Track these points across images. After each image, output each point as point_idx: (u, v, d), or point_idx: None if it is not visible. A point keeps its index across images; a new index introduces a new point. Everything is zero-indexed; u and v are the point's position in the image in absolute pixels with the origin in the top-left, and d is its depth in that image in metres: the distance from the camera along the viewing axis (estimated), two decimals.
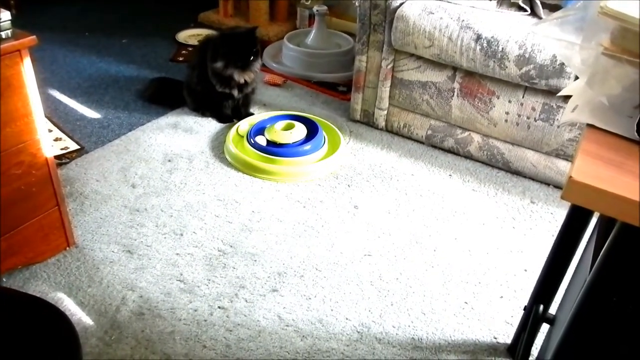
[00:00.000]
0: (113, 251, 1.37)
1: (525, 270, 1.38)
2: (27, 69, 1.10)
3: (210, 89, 1.86)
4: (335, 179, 1.67)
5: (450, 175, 1.72)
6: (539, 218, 1.56)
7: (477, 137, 1.75)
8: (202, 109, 1.98)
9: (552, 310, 1.05)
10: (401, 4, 1.71)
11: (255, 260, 1.36)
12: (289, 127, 1.77)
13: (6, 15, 1.05)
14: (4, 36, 1.05)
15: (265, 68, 2.30)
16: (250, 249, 1.39)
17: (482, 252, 1.43)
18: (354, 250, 1.41)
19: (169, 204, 1.53)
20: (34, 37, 1.08)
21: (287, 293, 1.27)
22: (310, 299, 1.26)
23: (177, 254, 1.37)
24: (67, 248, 1.36)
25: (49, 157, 1.21)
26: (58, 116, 1.93)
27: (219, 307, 1.23)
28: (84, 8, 2.90)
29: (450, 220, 1.53)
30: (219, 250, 1.39)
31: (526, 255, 1.43)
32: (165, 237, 1.42)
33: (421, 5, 1.68)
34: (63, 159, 1.69)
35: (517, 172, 1.72)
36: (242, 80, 1.84)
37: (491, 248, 1.45)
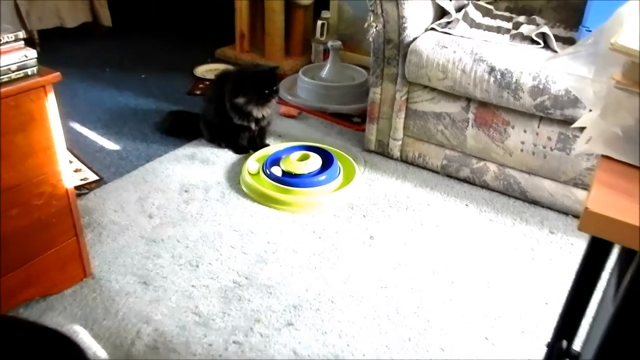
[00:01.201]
0: (129, 282, 1.36)
1: (547, 304, 1.34)
2: (50, 103, 1.12)
3: (227, 121, 1.88)
4: (351, 209, 1.67)
5: (466, 205, 1.70)
6: (558, 249, 1.52)
7: (493, 167, 1.74)
8: (219, 140, 1.99)
9: (577, 346, 1.01)
10: (414, 39, 1.73)
11: (270, 293, 1.34)
12: (304, 158, 1.78)
13: (32, 53, 1.08)
14: (30, 73, 1.08)
15: (280, 100, 2.33)
16: (266, 281, 1.37)
17: (500, 284, 1.39)
18: (370, 282, 1.38)
19: (185, 234, 1.53)
20: (57, 73, 1.10)
21: (302, 327, 1.25)
22: (326, 333, 1.23)
23: (193, 285, 1.36)
24: (84, 279, 1.35)
25: (69, 188, 1.22)
26: (78, 148, 1.96)
27: (233, 342, 1.21)
28: (104, 45, 2.98)
29: (467, 251, 1.50)
30: (234, 282, 1.37)
31: (546, 287, 1.39)
32: (181, 269, 1.41)
33: (434, 39, 1.70)
34: (82, 190, 1.70)
35: (534, 202, 1.70)
36: (260, 115, 1.87)
37: (510, 280, 1.41)
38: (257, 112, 1.85)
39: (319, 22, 2.70)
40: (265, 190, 1.68)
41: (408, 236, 1.55)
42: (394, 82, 1.83)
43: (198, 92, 2.50)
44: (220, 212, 1.63)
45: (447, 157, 1.82)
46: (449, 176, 1.83)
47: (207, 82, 2.58)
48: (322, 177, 1.72)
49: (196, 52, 2.94)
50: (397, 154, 1.92)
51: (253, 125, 1.90)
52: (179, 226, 1.56)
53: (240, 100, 1.81)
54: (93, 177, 1.79)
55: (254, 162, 1.81)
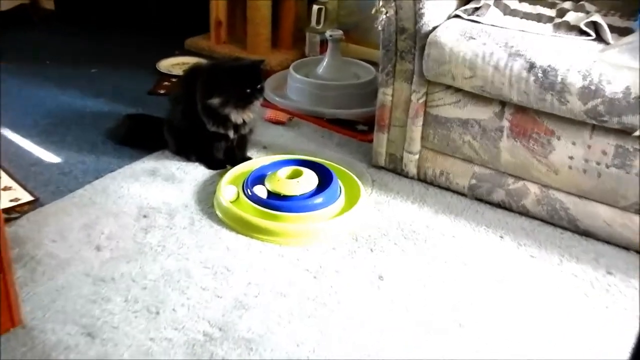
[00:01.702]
0: (70, 333, 1.33)
1: None
2: None
3: (199, 127, 1.88)
4: (355, 241, 1.66)
5: (501, 236, 1.70)
6: (618, 293, 1.51)
7: (533, 188, 1.73)
8: (188, 151, 2.00)
9: None
10: (434, 28, 1.74)
11: (251, 349, 1.32)
12: (295, 175, 1.78)
13: None
14: None
15: (266, 102, 2.33)
16: (245, 333, 1.35)
17: (546, 338, 1.38)
18: (379, 336, 1.37)
19: (142, 272, 1.51)
20: None
21: None
22: None
23: (151, 338, 1.33)
24: (12, 329, 1.32)
25: None
26: (8, 160, 1.94)
27: None
28: (45, 33, 2.99)
29: (503, 296, 1.49)
30: (204, 335, 1.35)
31: (604, 341, 1.37)
32: (136, 316, 1.38)
33: (459, 29, 1.71)
34: (12, 213, 1.69)
35: (586, 233, 1.69)
36: (240, 120, 1.88)
37: (558, 332, 1.39)
38: (236, 117, 1.86)
39: (315, 8, 2.73)
40: (246, 216, 1.67)
41: (427, 277, 1.54)
42: (408, 81, 1.83)
43: (162, 92, 2.51)
44: (188, 243, 1.62)
45: (476, 176, 1.81)
46: (479, 200, 1.83)
47: (174, 79, 2.60)
48: (319, 199, 1.72)
49: (160, 42, 2.96)
50: (413, 171, 1.92)
51: (231, 134, 1.90)
52: (135, 261, 1.54)
53: (215, 101, 1.82)
54: (26, 197, 1.77)
55: (229, 186, 1.78)
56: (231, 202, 1.74)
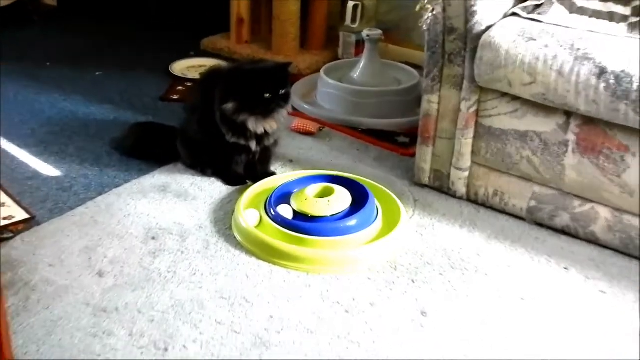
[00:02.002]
0: None
1: None
2: None
3: (217, 138, 1.90)
4: (393, 270, 1.65)
5: (565, 268, 1.67)
6: None
7: (604, 212, 1.71)
8: (203, 165, 2.02)
9: None
10: (488, 28, 1.74)
11: None
12: (325, 193, 1.78)
13: None
14: None
15: (294, 111, 2.35)
16: None
17: None
18: None
19: (150, 302, 1.51)
20: None
21: None
22: None
23: None
24: None
25: None
26: (2, 173, 1.97)
27: None
28: (46, 31, 3.05)
29: (567, 339, 1.46)
30: None
31: None
32: (142, 353, 1.38)
33: (517, 28, 1.70)
34: (5, 233, 1.71)
35: None
36: (260, 130, 1.89)
37: None
38: (255, 126, 1.87)
39: (350, 4, 2.75)
40: (269, 240, 1.67)
41: (478, 314, 1.52)
42: (457, 88, 1.83)
43: (175, 98, 2.54)
44: (202, 269, 1.62)
45: (536, 197, 1.80)
46: (539, 224, 1.82)
47: (189, 84, 2.63)
48: (352, 221, 1.71)
49: (175, 42, 3.00)
50: (462, 190, 1.92)
51: (253, 145, 1.92)
52: (142, 290, 1.55)
53: (229, 107, 1.83)
54: (21, 215, 1.79)
55: (251, 210, 1.78)
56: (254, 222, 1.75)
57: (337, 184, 1.82)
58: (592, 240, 1.75)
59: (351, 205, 1.76)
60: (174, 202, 1.89)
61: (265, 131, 1.90)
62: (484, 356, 1.41)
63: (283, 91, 1.85)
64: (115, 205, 1.86)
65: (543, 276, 1.65)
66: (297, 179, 1.90)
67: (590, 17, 1.76)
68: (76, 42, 2.98)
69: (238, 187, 1.97)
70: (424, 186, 1.99)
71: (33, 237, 1.71)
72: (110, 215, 1.81)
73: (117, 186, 1.94)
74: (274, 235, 1.69)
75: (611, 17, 1.75)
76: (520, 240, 1.78)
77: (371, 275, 1.63)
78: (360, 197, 1.79)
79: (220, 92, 1.85)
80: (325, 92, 2.45)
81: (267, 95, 1.82)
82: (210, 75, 2.01)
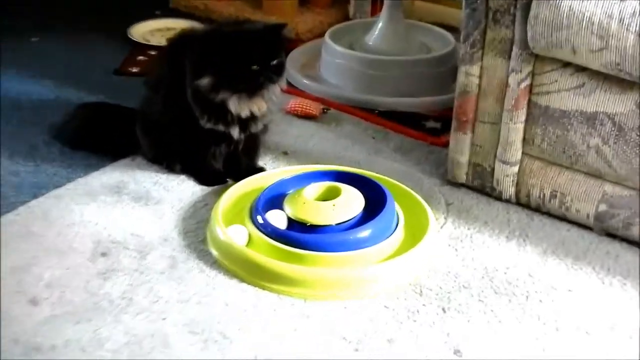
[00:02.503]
0: None
1: None
2: None
3: (188, 123, 1.89)
4: (418, 295, 1.64)
5: None
6: None
7: None
8: (170, 158, 2.02)
9: None
10: None
11: None
12: (330, 195, 1.77)
13: None
14: None
15: (290, 87, 2.33)
16: None
17: None
18: None
19: (97, 338, 1.50)
20: None
21: None
22: None
23: None
24: None
25: None
26: None
27: None
28: None
29: None
30: None
31: None
32: None
33: None
34: None
35: None
36: (245, 113, 1.88)
37: None
38: (239, 107, 1.87)
39: None
40: (255, 257, 1.66)
41: (530, 351, 1.51)
42: (505, 56, 1.83)
43: (135, 71, 2.54)
44: (167, 295, 1.61)
45: (606, 199, 1.80)
46: (611, 235, 1.82)
47: (153, 53, 2.63)
48: (365, 232, 1.71)
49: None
50: (509, 190, 1.92)
51: (235, 133, 1.92)
52: (88, 322, 1.53)
53: (204, 82, 1.82)
54: None
55: (237, 226, 1.76)
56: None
57: (346, 183, 1.81)
58: None
59: (364, 210, 1.75)
60: (132, 207, 1.88)
61: (251, 114, 1.89)
62: None
63: (275, 62, 1.85)
64: (54, 211, 1.85)
65: (615, 302, 1.64)
66: (294, 176, 1.90)
67: None
68: (7, 3, 2.96)
69: (215, 187, 1.97)
70: (459, 185, 1.99)
71: None
72: (48, 225, 1.80)
73: (57, 186, 1.93)
74: (261, 251, 1.68)
75: None
76: (585, 255, 1.77)
77: (389, 302, 1.61)
78: (375, 200, 1.78)
79: (193, 63, 1.84)
80: (332, 62, 2.45)
81: (254, 67, 1.82)
82: (180, 41, 1.99)
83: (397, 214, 1.80)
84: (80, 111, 2.17)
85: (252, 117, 1.90)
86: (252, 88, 1.85)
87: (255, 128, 1.94)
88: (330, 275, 1.64)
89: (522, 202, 1.91)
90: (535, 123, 1.83)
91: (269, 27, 1.89)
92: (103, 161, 2.03)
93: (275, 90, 1.91)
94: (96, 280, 1.64)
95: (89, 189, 1.93)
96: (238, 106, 1.86)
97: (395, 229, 1.76)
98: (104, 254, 1.72)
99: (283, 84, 1.95)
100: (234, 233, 1.73)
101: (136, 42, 2.71)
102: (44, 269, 1.66)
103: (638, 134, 1.69)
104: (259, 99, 1.88)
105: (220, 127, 1.89)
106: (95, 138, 2.09)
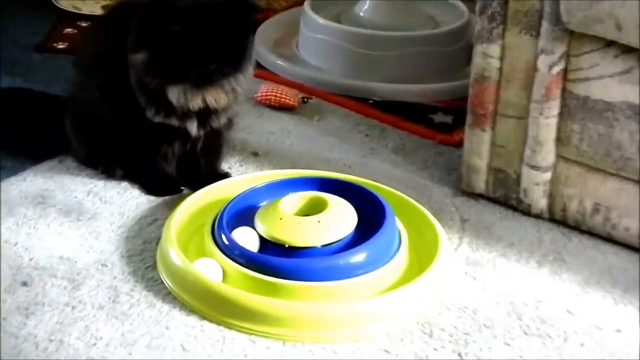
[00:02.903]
0: None
1: None
2: None
3: (132, 115, 1.89)
4: (428, 337, 1.61)
5: None
6: None
7: None
8: (109, 161, 2.02)
9: None
10: None
11: None
12: (314, 209, 1.77)
13: None
14: None
15: (260, 70, 2.36)
16: None
17: None
18: None
19: None
20: None
21: None
22: None
23: None
24: None
25: None
26: None
27: None
28: None
29: None
30: None
31: None
32: None
33: None
34: None
35: None
36: (195, 105, 1.88)
37: None
38: (187, 100, 1.86)
39: None
40: (219, 287, 1.65)
41: None
42: (533, 33, 1.83)
43: (61, 47, 2.55)
44: (108, 336, 1.58)
45: None
46: None
47: (85, 24, 2.65)
48: (359, 255, 1.69)
49: None
50: (540, 203, 1.92)
51: (193, 129, 1.92)
52: None
53: (138, 58, 1.83)
54: None
55: (208, 260, 1.75)
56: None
57: (333, 193, 1.81)
58: None
59: (356, 228, 1.75)
60: (59, 223, 1.87)
61: (211, 106, 1.89)
62: None
63: (244, 43, 1.88)
64: None
65: None
66: (267, 184, 1.90)
67: None
68: None
69: (167, 197, 1.97)
70: (477, 196, 2.00)
71: None
72: None
73: None
74: (228, 280, 1.69)
75: None
76: (636, 286, 1.75)
77: (391, 346, 1.59)
78: (371, 215, 1.77)
79: (133, 34, 1.84)
80: (313, 38, 2.47)
81: (220, 48, 1.82)
82: (120, 9, 2.00)
83: (398, 232, 1.79)
84: None
85: (213, 111, 1.90)
86: (199, 79, 1.84)
87: (217, 123, 1.94)
88: (315, 310, 1.62)
89: (557, 218, 1.91)
90: (571, 118, 1.83)
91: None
92: (22, 164, 2.03)
93: (239, 79, 1.91)
94: (16, 317, 1.61)
95: (5, 198, 1.92)
96: (181, 97, 1.85)
97: (397, 251, 1.74)
98: (25, 284, 1.70)
99: (249, 69, 1.95)
100: (204, 269, 1.71)
101: (63, 10, 2.73)
102: None
103: None
104: (215, 90, 1.88)
105: (173, 121, 1.88)
106: (11, 134, 2.08)
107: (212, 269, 1.71)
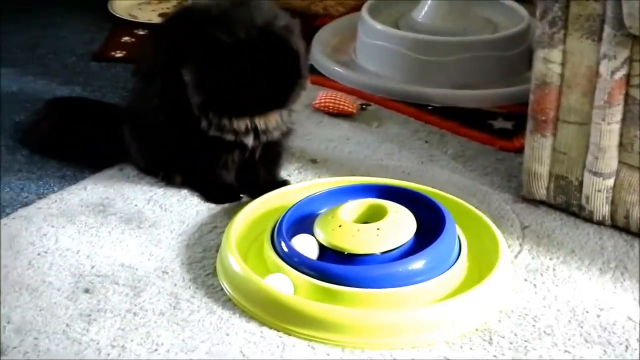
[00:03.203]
0: None
1: None
2: None
3: (191, 124, 1.89)
4: (488, 344, 1.61)
5: None
6: None
7: None
8: (168, 169, 2.03)
9: None
10: None
11: None
12: (373, 217, 1.77)
13: None
14: None
15: (317, 77, 2.36)
16: None
17: None
18: None
19: None
20: None
21: None
22: None
23: None
24: None
25: None
26: None
27: None
28: None
29: None
30: None
31: None
32: None
33: None
34: None
35: None
36: (246, 126, 1.90)
37: None
38: (240, 125, 1.88)
39: None
40: (279, 294, 1.65)
41: None
42: (594, 37, 1.82)
43: (119, 55, 2.55)
44: (169, 342, 1.59)
45: None
46: None
47: (142, 32, 2.66)
48: (418, 263, 1.70)
49: None
50: (602, 209, 1.91)
51: (249, 140, 1.93)
52: None
53: (196, 100, 1.84)
54: None
55: (278, 275, 1.73)
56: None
57: (392, 200, 1.81)
58: None
59: (415, 235, 1.75)
60: (120, 231, 1.88)
61: (267, 125, 1.90)
62: None
63: (298, 77, 1.86)
64: (22, 235, 1.85)
65: None
66: (326, 191, 1.90)
67: None
68: None
69: (227, 205, 1.97)
70: (538, 203, 1.99)
71: None
72: (14, 253, 1.80)
73: (25, 204, 1.95)
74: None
75: None
76: None
77: (451, 353, 1.59)
78: (430, 223, 1.77)
79: (191, 77, 1.84)
80: (371, 44, 2.45)
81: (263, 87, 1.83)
82: (180, 17, 2.00)
83: (458, 239, 1.79)
84: (52, 108, 2.19)
85: (262, 129, 1.91)
86: (251, 112, 1.86)
87: (272, 135, 1.95)
88: (374, 317, 1.62)
89: (619, 225, 1.90)
90: (634, 123, 1.81)
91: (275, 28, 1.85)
92: (82, 172, 2.04)
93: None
94: (79, 324, 1.62)
95: (66, 207, 1.93)
96: (235, 124, 1.87)
97: (457, 259, 1.75)
98: (87, 291, 1.71)
99: (306, 72, 1.94)
100: (275, 282, 1.70)
101: (120, 18, 2.73)
102: (11, 310, 1.65)
103: None
104: (268, 116, 1.89)
105: (228, 136, 1.89)
106: (72, 143, 2.09)
107: (283, 285, 1.70)
